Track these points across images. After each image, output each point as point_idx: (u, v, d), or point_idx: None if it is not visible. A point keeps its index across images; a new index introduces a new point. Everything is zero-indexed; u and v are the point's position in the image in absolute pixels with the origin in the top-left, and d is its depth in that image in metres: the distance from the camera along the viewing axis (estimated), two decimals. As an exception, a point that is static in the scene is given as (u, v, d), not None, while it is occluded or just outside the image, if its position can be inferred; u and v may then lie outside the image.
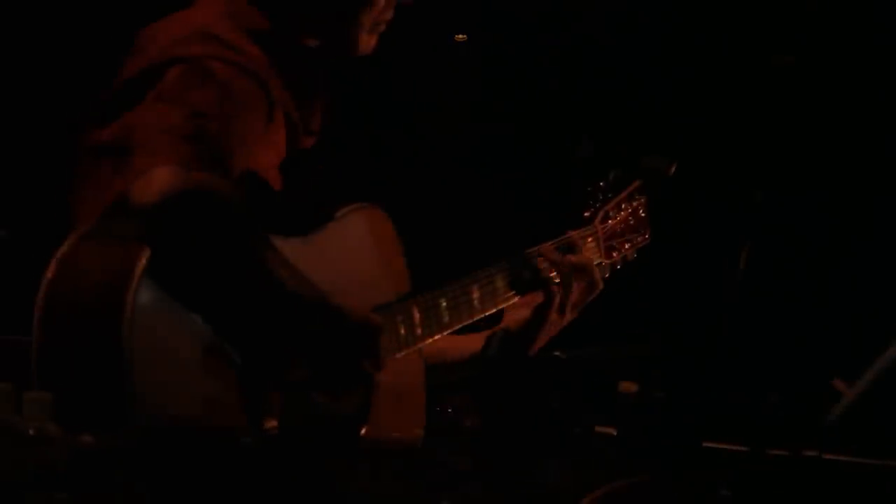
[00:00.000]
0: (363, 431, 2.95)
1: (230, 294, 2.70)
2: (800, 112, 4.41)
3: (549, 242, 3.33)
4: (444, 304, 3.12)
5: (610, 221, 3.47)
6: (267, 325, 2.74)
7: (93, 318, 2.61)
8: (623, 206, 3.52)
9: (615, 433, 3.64)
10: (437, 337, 3.10)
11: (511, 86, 4.56)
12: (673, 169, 3.53)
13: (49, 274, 2.64)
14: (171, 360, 2.65)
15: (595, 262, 3.40)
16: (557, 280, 3.30)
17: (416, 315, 3.05)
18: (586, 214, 3.46)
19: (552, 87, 4.56)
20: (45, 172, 4.16)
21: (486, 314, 3.23)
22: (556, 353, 3.47)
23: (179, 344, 2.66)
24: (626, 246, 3.51)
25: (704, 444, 3.56)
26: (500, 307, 3.25)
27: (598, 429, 3.66)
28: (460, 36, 3.79)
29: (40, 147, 4.22)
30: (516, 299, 3.27)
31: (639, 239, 3.55)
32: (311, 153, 3.07)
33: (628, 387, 3.71)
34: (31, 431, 2.46)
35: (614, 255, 3.48)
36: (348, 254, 3.03)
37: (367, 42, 3.06)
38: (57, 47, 4.32)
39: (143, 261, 2.61)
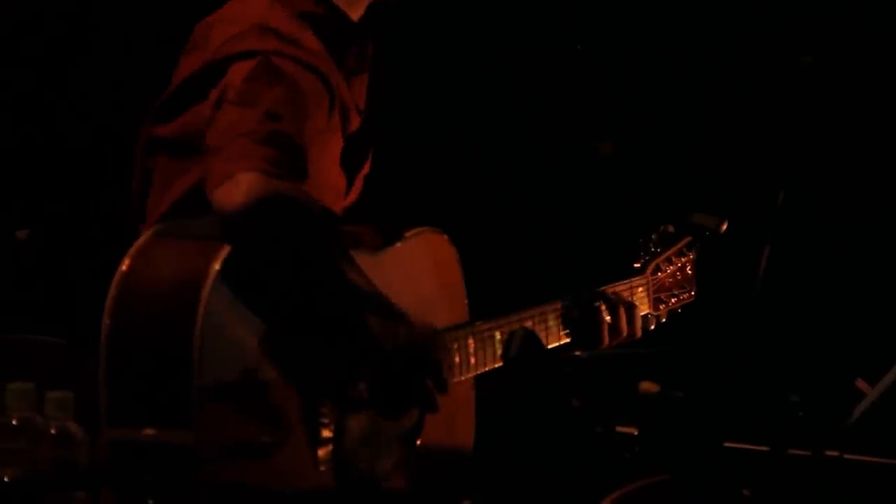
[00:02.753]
0: (416, 445, 2.96)
1: (304, 303, 2.70)
2: (820, 111, 4.40)
3: (605, 287, 3.36)
4: (499, 336, 3.12)
5: (660, 274, 3.51)
6: (336, 336, 2.74)
7: (165, 314, 2.62)
8: (672, 259, 3.55)
9: (636, 433, 3.63)
10: (488, 368, 3.10)
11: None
12: (724, 227, 3.55)
13: (123, 267, 2.65)
14: (236, 364, 2.66)
15: (642, 314, 3.43)
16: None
17: (472, 344, 3.06)
18: (636, 265, 3.49)
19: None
20: (65, 174, 4.18)
21: None
22: (577, 353, 3.47)
23: (245, 348, 2.67)
24: (673, 301, 3.55)
25: (725, 444, 3.55)
26: (551, 346, 3.27)
27: (619, 428, 3.66)
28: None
29: (60, 149, 4.23)
30: (567, 339, 3.30)
31: (684, 295, 3.58)
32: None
33: (649, 387, 3.70)
34: (52, 430, 2.47)
35: (661, 307, 3.52)
36: (411, 276, 3.04)
37: None
38: (90, 49, 4.34)
39: (219, 262, 2.63)
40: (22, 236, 3.93)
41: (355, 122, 3.02)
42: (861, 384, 3.37)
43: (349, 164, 3.02)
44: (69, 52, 4.33)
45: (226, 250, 2.64)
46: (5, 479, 2.42)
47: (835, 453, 3.34)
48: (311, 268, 2.69)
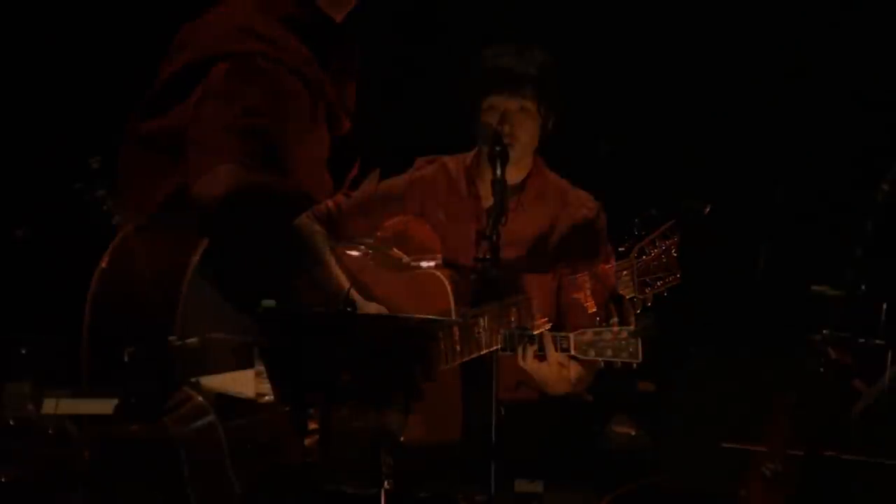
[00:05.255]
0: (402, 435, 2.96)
1: (283, 294, 2.71)
2: (818, 111, 4.41)
3: (586, 273, 3.38)
4: (482, 323, 3.14)
5: (644, 257, 3.52)
6: (317, 328, 2.74)
7: (145, 308, 2.65)
8: (657, 242, 3.56)
9: (634, 433, 3.64)
10: (474, 356, 3.12)
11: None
12: (708, 209, 3.57)
13: (103, 264, 2.67)
14: (219, 356, 2.68)
15: (629, 297, 3.45)
16: (592, 311, 3.35)
17: (456, 332, 3.08)
18: (621, 249, 3.51)
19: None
20: (60, 174, 4.18)
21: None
22: (574, 354, 3.47)
23: (227, 341, 2.68)
24: (658, 283, 3.56)
25: (723, 445, 3.55)
26: (538, 332, 3.29)
27: (617, 429, 3.67)
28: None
29: (55, 149, 4.24)
30: (549, 325, 3.33)
31: (670, 278, 3.59)
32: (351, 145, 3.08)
33: (646, 386, 3.71)
34: (50, 430, 2.47)
35: (647, 291, 3.52)
36: (396, 270, 3.05)
37: None
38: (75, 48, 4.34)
39: (198, 254, 2.65)
40: (20, 235, 3.93)
41: (346, 125, 3.03)
42: (858, 384, 3.37)
43: (337, 165, 3.04)
44: (65, 51, 4.34)
45: (205, 243, 2.66)
46: (2, 480, 2.42)
47: (832, 453, 3.34)
48: (290, 258, 2.71)
